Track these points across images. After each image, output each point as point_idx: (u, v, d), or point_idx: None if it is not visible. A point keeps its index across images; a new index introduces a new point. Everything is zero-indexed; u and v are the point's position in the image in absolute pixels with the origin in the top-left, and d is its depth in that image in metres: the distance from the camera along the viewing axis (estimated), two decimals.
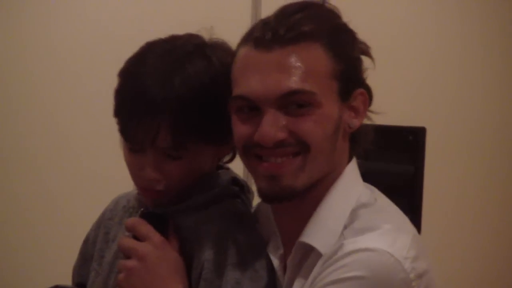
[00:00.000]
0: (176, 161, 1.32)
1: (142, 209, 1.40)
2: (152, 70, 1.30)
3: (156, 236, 1.32)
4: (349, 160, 1.33)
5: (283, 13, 1.26)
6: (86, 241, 1.58)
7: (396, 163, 2.44)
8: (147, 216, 1.36)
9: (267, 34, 1.23)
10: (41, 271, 3.25)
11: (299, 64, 1.22)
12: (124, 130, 1.33)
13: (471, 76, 3.41)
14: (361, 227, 1.24)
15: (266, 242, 1.39)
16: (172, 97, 1.28)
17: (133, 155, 1.34)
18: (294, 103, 1.23)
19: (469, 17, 3.36)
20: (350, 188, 1.30)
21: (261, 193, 1.29)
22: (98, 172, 3.27)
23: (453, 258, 3.43)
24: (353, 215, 1.26)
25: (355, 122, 1.28)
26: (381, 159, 2.34)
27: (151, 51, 1.34)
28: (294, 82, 1.21)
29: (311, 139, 1.23)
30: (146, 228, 1.33)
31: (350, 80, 1.26)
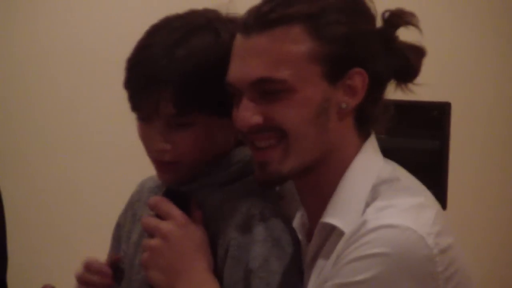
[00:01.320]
0: (183, 131, 1.32)
1: (165, 188, 1.40)
2: (159, 41, 1.32)
3: (178, 214, 1.32)
4: (365, 137, 1.32)
5: None
6: (117, 226, 1.59)
7: (421, 139, 2.43)
8: (170, 194, 1.36)
9: (250, 19, 1.24)
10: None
11: (273, 49, 1.22)
12: (131, 99, 1.35)
13: (494, 50, 3.40)
14: (384, 204, 1.23)
15: (292, 218, 1.40)
16: (172, 67, 1.30)
17: (143, 126, 1.36)
18: (267, 89, 1.23)
19: None
20: (370, 165, 1.29)
21: (255, 179, 1.31)
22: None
23: (478, 233, 3.42)
24: (375, 191, 1.26)
25: (351, 102, 1.26)
26: (406, 135, 2.34)
27: (165, 24, 1.37)
28: (263, 69, 1.22)
29: (286, 125, 1.23)
30: (168, 207, 1.33)
31: (342, 61, 1.24)
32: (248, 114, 1.24)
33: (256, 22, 1.24)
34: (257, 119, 1.24)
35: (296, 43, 1.22)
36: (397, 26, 1.31)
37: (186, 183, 1.38)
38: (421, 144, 2.43)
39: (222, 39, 1.33)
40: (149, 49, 1.32)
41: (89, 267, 1.47)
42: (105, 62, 3.09)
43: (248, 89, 1.24)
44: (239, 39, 1.26)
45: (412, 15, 1.31)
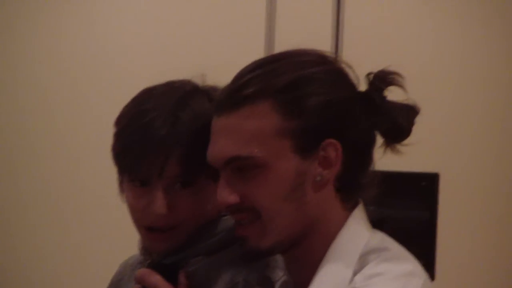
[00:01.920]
0: (184, 193, 1.33)
1: (148, 261, 1.40)
2: (155, 106, 1.33)
3: (165, 286, 1.31)
4: (352, 206, 1.30)
5: (239, 73, 1.27)
6: None
7: (410, 209, 2.44)
8: (156, 266, 1.35)
9: (221, 99, 1.26)
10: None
11: (241, 128, 1.23)
12: (130, 166, 1.34)
13: (483, 120, 3.39)
14: (372, 272, 1.21)
15: (276, 284, 1.39)
16: (179, 129, 1.31)
17: (139, 192, 1.35)
18: (239, 168, 1.23)
19: (492, 62, 3.38)
20: (357, 234, 1.27)
21: (241, 255, 1.30)
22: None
23: None
24: (363, 260, 1.24)
25: (326, 174, 1.24)
26: (395, 205, 2.35)
27: (150, 93, 1.37)
28: (232, 148, 1.22)
29: (259, 204, 1.23)
30: (155, 279, 1.31)
31: (312, 133, 1.23)
32: (224, 193, 1.24)
33: (226, 101, 1.24)
34: (233, 198, 1.24)
35: (263, 119, 1.22)
36: (381, 88, 1.29)
37: (172, 254, 1.37)
38: (410, 214, 2.44)
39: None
40: (145, 114, 1.32)
41: None
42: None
43: (223, 168, 1.24)
44: (214, 119, 1.27)
45: (396, 74, 1.30)
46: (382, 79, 1.29)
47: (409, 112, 1.30)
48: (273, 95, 1.22)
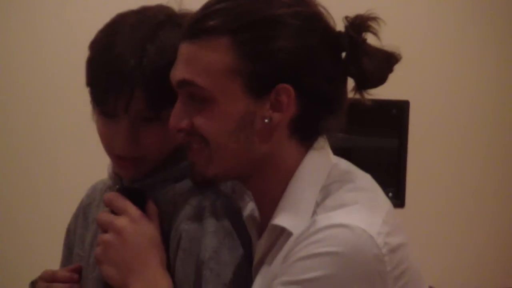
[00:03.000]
0: (150, 126, 1.32)
1: (117, 186, 1.41)
2: (124, 38, 1.31)
3: (133, 210, 1.32)
4: (312, 143, 1.30)
5: (206, 4, 1.26)
6: (68, 232, 1.58)
7: (379, 137, 2.44)
8: (124, 191, 1.36)
9: (186, 26, 1.25)
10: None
11: (198, 58, 1.23)
12: (98, 97, 1.34)
13: (453, 48, 3.44)
14: (334, 203, 1.22)
15: (243, 210, 1.39)
16: (145, 63, 1.29)
17: (107, 123, 1.35)
18: (189, 95, 1.24)
19: None
20: (318, 167, 1.28)
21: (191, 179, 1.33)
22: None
23: (435, 231, 3.45)
24: (325, 191, 1.25)
25: (276, 117, 1.24)
26: (365, 133, 2.34)
27: (123, 21, 1.35)
28: (186, 72, 1.23)
29: (206, 135, 1.24)
30: (123, 202, 1.32)
31: (267, 76, 1.22)
32: (176, 118, 1.26)
33: (189, 29, 1.24)
34: (184, 123, 1.25)
35: (218, 55, 1.22)
36: (360, 30, 1.27)
37: (141, 179, 1.38)
38: (380, 142, 2.44)
39: None
40: (114, 47, 1.31)
41: (54, 278, 1.47)
42: None
43: (179, 92, 1.26)
44: (180, 42, 1.27)
45: (375, 19, 1.28)
46: (360, 23, 1.27)
47: (387, 60, 1.28)
48: (233, 32, 1.21)
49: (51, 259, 1.75)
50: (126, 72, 1.29)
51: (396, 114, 2.45)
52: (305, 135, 1.29)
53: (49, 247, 2.84)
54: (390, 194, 2.40)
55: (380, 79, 1.29)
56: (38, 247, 3.16)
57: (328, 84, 1.26)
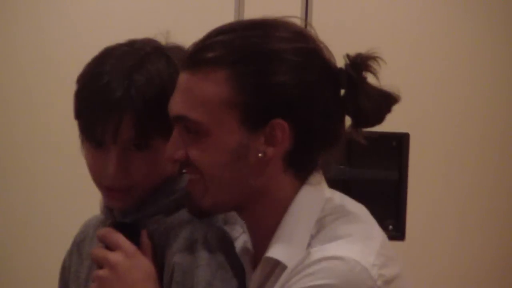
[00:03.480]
0: (139, 155, 1.34)
1: (110, 220, 1.41)
2: (112, 69, 1.33)
3: (126, 245, 1.32)
4: (306, 176, 1.30)
5: (208, 34, 1.28)
6: (62, 269, 1.57)
7: (380, 169, 2.44)
8: (117, 226, 1.37)
9: (186, 55, 1.27)
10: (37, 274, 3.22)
11: (194, 89, 1.24)
12: (86, 128, 1.36)
13: (454, 81, 3.43)
14: (328, 236, 1.23)
15: (236, 242, 1.39)
16: (133, 92, 1.31)
17: (96, 154, 1.36)
18: (185, 127, 1.26)
19: (456, 22, 3.42)
20: (312, 199, 1.29)
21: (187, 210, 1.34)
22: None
23: (435, 264, 3.43)
24: (319, 224, 1.26)
25: (270, 151, 1.25)
26: (364, 165, 2.34)
27: (110, 53, 1.38)
28: (182, 107, 1.25)
29: (200, 166, 1.25)
30: (116, 237, 1.33)
31: (263, 111, 1.24)
32: (172, 148, 1.27)
33: (188, 59, 1.26)
34: (180, 154, 1.26)
35: (216, 87, 1.22)
36: (360, 69, 1.28)
37: (132, 212, 1.38)
38: (380, 174, 2.44)
39: (173, 64, 1.36)
40: (102, 77, 1.32)
41: None
42: None
43: (175, 123, 1.27)
44: (180, 72, 1.29)
45: (375, 59, 1.28)
46: (360, 62, 1.27)
47: (385, 101, 1.29)
48: (231, 64, 1.23)
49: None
50: (113, 101, 1.30)
51: (396, 146, 2.46)
52: (299, 168, 1.29)
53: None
54: (390, 227, 2.40)
55: (377, 119, 1.30)
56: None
57: (324, 120, 1.27)
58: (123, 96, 1.31)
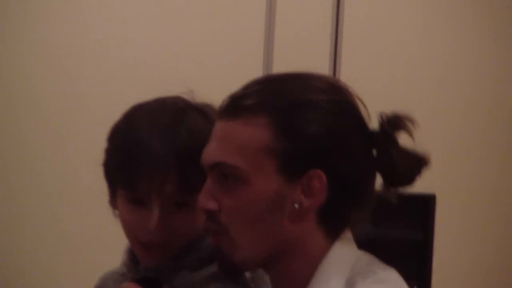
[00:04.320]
0: (179, 212, 1.33)
1: (132, 274, 1.40)
2: (151, 123, 1.33)
3: None
4: (336, 233, 1.28)
5: (247, 84, 1.28)
6: None
7: (405, 230, 2.44)
8: (141, 281, 1.35)
9: (223, 104, 1.26)
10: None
11: (233, 136, 1.23)
12: (128, 183, 1.33)
13: (482, 141, 3.42)
14: None
15: None
16: (177, 148, 1.30)
17: (134, 210, 1.34)
18: (221, 175, 1.23)
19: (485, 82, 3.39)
20: (342, 259, 1.27)
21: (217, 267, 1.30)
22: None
23: None
24: (349, 283, 1.23)
25: (305, 202, 1.22)
26: (391, 226, 2.34)
27: (142, 110, 1.37)
28: (219, 153, 1.23)
29: (233, 216, 1.23)
30: None
31: (302, 160, 1.22)
32: (205, 197, 1.24)
33: (227, 107, 1.25)
34: (212, 205, 1.24)
35: (256, 132, 1.22)
36: (392, 131, 1.27)
37: (158, 268, 1.37)
38: (406, 235, 2.43)
39: (210, 118, 1.35)
40: (141, 132, 1.32)
41: None
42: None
43: (209, 171, 1.25)
44: (216, 122, 1.28)
45: (409, 120, 1.28)
46: (394, 123, 1.27)
47: (417, 162, 1.28)
48: (272, 112, 1.22)
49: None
50: (158, 158, 1.29)
51: (422, 207, 2.46)
52: (332, 224, 1.27)
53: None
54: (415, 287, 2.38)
55: (408, 180, 1.29)
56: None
57: (359, 175, 1.26)
58: (168, 151, 1.30)
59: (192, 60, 3.15)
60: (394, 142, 1.27)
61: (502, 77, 3.44)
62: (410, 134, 1.27)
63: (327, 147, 1.23)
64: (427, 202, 2.47)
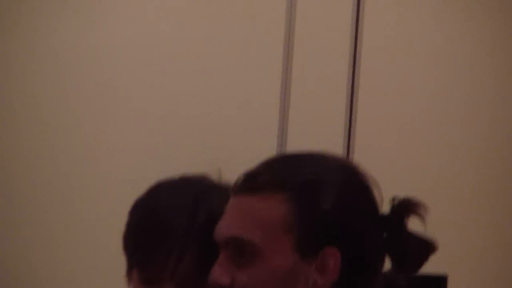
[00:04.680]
0: None
1: None
2: (173, 200, 1.33)
3: None
4: None
5: (264, 161, 1.29)
6: None
7: None
8: None
9: (240, 180, 1.27)
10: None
11: (250, 211, 1.23)
12: (142, 262, 1.32)
13: (491, 222, 3.36)
14: None
15: None
16: (197, 224, 1.30)
17: (146, 286, 1.32)
18: (236, 250, 1.23)
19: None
20: None
21: None
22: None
23: None
24: None
25: (319, 280, 1.22)
26: None
27: (166, 185, 1.38)
28: (236, 228, 1.23)
29: None
30: None
31: (318, 237, 1.22)
32: (218, 273, 1.23)
33: (245, 183, 1.26)
34: (225, 280, 1.23)
35: (275, 209, 1.22)
36: (403, 217, 1.29)
37: None
38: None
39: None
40: (163, 208, 1.32)
41: None
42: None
43: (224, 246, 1.24)
44: (230, 197, 1.28)
45: (421, 205, 1.29)
46: (406, 208, 1.29)
47: (425, 247, 1.29)
48: (291, 189, 1.23)
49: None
50: (176, 237, 1.29)
51: None
52: None
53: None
54: None
55: (417, 265, 1.30)
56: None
57: (370, 255, 1.26)
58: (187, 229, 1.29)
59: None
60: (405, 227, 1.28)
61: None
62: (421, 219, 1.28)
63: (342, 226, 1.23)
64: (439, 284, 2.45)
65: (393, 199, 1.29)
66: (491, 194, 3.40)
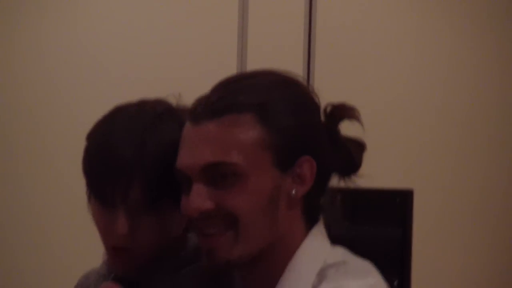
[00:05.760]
0: (147, 217, 1.29)
1: (113, 274, 1.38)
2: (123, 129, 1.30)
3: None
4: (312, 224, 1.29)
5: (220, 84, 1.27)
6: None
7: (383, 227, 2.24)
8: (120, 280, 1.33)
9: (199, 107, 1.23)
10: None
11: (223, 136, 1.20)
12: (95, 187, 1.31)
13: (459, 136, 3.28)
14: (330, 286, 1.20)
15: None
16: (144, 155, 1.27)
17: (103, 212, 1.31)
18: (218, 175, 1.20)
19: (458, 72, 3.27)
20: (316, 250, 1.26)
21: (203, 266, 1.29)
22: None
23: None
24: (321, 275, 1.22)
25: (299, 189, 1.23)
26: (368, 222, 2.27)
27: (121, 113, 1.34)
28: (213, 154, 1.19)
29: (238, 211, 1.19)
30: None
31: (291, 149, 1.22)
32: (199, 199, 1.20)
33: (205, 110, 1.22)
34: (208, 204, 1.20)
35: (246, 130, 1.20)
36: (338, 120, 1.32)
37: (137, 269, 1.34)
38: (385, 231, 2.23)
39: (183, 126, 1.30)
40: (112, 137, 1.30)
41: None
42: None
43: (199, 175, 1.21)
44: (188, 127, 1.24)
45: (353, 109, 1.31)
46: (340, 111, 1.32)
47: (359, 147, 1.33)
48: (254, 109, 1.21)
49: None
50: (124, 163, 1.27)
51: (400, 203, 2.28)
52: (311, 212, 1.28)
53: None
54: (396, 282, 2.32)
55: (358, 165, 1.33)
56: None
57: (330, 161, 1.29)
58: (134, 158, 1.26)
59: (167, 60, 3.22)
60: (338, 134, 1.32)
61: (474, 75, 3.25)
62: (358, 120, 1.32)
63: (306, 136, 1.25)
64: (404, 198, 2.29)
65: (326, 107, 1.32)
66: (462, 108, 3.27)
